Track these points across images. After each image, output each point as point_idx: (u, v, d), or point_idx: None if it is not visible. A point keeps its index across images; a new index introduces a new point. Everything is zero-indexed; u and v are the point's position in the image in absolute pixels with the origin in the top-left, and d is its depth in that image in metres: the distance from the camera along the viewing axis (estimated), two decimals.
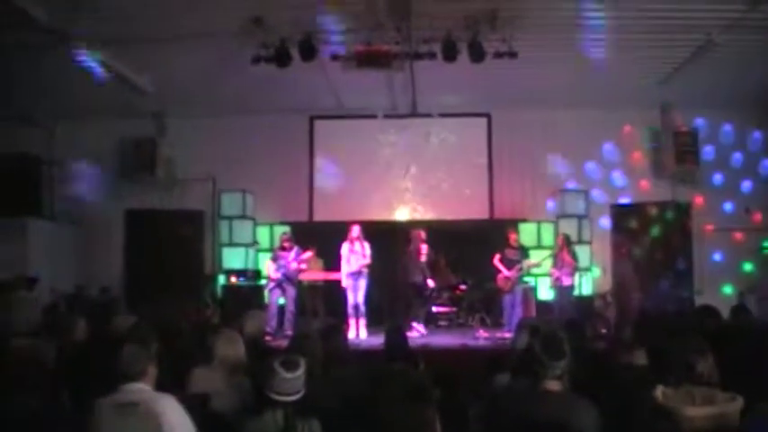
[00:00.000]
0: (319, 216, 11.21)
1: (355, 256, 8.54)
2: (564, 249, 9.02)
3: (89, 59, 8.16)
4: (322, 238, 9.51)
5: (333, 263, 9.12)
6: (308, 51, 7.69)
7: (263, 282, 9.59)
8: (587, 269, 10.32)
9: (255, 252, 10.89)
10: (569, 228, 10.13)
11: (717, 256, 10.55)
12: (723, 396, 2.71)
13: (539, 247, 10.32)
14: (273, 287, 8.89)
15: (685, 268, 10.37)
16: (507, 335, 7.98)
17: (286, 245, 8.98)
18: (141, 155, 10.72)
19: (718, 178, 10.65)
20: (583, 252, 9.93)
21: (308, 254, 8.94)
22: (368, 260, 8.56)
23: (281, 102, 10.14)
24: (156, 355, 3.18)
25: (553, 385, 2.81)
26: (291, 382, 2.87)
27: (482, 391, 3.72)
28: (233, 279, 10.20)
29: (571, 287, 9.07)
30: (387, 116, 11.04)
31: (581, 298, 9.71)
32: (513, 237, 9.19)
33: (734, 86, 9.49)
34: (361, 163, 11.29)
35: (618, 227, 10.73)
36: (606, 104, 10.16)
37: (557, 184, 10.80)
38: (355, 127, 11.38)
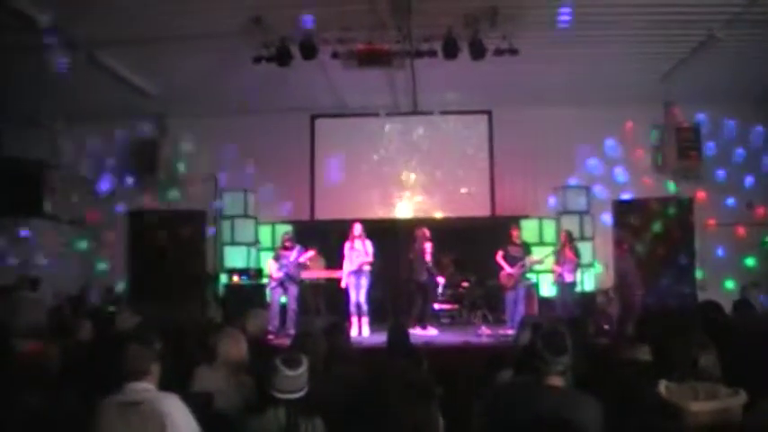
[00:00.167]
0: (321, 215, 11.21)
1: (357, 254, 8.55)
2: (566, 246, 9.04)
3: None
4: (324, 237, 9.52)
5: (335, 261, 9.13)
6: (309, 50, 7.68)
7: (265, 281, 9.60)
8: (589, 265, 10.31)
9: (257, 251, 10.91)
10: (571, 224, 10.14)
11: (719, 251, 10.54)
12: (726, 391, 2.72)
13: (541, 243, 10.35)
14: (275, 286, 8.91)
15: (687, 264, 10.37)
16: (510, 332, 7.98)
17: (288, 244, 9.00)
18: (143, 155, 10.74)
19: (720, 174, 10.63)
20: (585, 248, 9.93)
21: (310, 253, 8.97)
22: (370, 258, 8.56)
23: (282, 101, 10.12)
24: (159, 354, 3.17)
25: (556, 381, 2.81)
26: (294, 379, 2.87)
27: (485, 387, 3.72)
28: (235, 278, 10.21)
29: (573, 283, 9.09)
30: (388, 114, 11.05)
31: (583, 294, 9.70)
32: (515, 233, 9.18)
33: (736, 82, 9.45)
34: (362, 161, 11.31)
35: (620, 223, 10.73)
36: (608, 101, 10.12)
37: (558, 181, 10.79)
38: (356, 125, 11.38)
